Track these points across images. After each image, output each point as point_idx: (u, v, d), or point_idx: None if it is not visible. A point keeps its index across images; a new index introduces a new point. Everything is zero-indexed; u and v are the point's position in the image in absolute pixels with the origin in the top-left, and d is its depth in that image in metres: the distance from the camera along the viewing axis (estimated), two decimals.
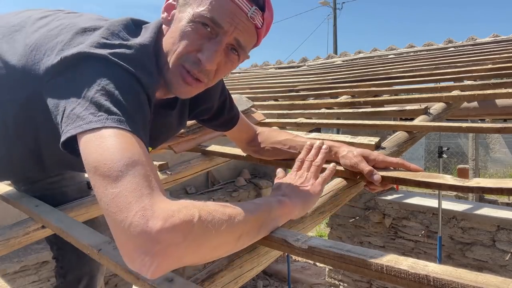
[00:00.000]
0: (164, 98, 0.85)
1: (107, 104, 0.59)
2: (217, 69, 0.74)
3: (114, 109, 0.59)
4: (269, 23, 0.77)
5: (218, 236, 0.54)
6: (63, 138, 0.59)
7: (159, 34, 0.75)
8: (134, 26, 0.75)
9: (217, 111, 1.02)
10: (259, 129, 1.12)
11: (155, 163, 1.27)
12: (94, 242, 0.73)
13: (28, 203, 1.02)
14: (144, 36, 0.73)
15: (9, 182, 1.22)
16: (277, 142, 1.05)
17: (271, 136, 1.08)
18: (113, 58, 0.65)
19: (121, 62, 0.65)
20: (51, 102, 0.64)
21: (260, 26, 0.74)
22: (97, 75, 0.62)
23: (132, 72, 0.65)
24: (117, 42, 0.68)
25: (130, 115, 0.60)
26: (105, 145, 0.55)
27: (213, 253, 0.56)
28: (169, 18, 0.76)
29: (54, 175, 1.17)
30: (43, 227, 0.94)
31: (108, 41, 0.67)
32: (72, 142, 0.59)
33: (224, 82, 1.05)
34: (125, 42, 0.68)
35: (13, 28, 0.78)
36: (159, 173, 1.26)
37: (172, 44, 0.72)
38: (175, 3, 0.75)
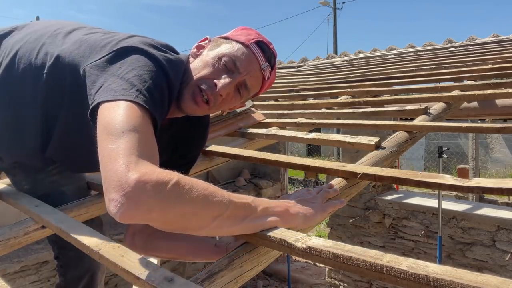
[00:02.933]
0: (167, 117, 0.92)
1: (140, 86, 0.71)
2: (224, 98, 0.89)
3: (144, 92, 0.70)
4: (272, 81, 0.98)
5: (191, 205, 0.59)
6: (93, 104, 0.70)
7: (188, 62, 0.93)
8: (171, 50, 0.91)
9: (190, 158, 1.11)
10: None
11: None
12: (94, 242, 0.73)
13: (28, 203, 1.02)
14: (181, 56, 0.91)
15: (9, 182, 1.22)
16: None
17: None
18: (158, 57, 0.79)
19: (163, 62, 0.79)
20: (90, 78, 0.76)
21: (266, 79, 0.94)
22: (138, 65, 0.75)
23: (168, 73, 0.79)
24: (161, 48, 0.85)
25: (154, 103, 0.72)
26: (121, 112, 0.66)
27: (183, 221, 0.60)
28: (197, 53, 0.95)
29: (53, 174, 1.17)
30: (43, 227, 0.94)
31: (155, 45, 0.83)
32: (96, 110, 0.70)
33: None
34: (167, 50, 0.85)
35: (57, 30, 0.94)
36: None
37: (196, 69, 0.89)
38: (205, 45, 0.96)
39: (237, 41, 0.92)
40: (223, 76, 0.87)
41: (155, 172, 0.58)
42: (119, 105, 0.67)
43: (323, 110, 1.82)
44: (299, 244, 0.61)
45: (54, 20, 1.03)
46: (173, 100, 0.83)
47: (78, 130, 0.90)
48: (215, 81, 0.87)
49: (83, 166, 1.09)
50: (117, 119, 0.64)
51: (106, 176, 0.58)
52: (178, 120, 1.00)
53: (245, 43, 0.91)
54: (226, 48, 0.91)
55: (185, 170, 1.09)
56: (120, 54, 0.79)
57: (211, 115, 1.45)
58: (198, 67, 0.90)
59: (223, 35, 0.96)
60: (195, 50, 0.97)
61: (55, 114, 0.91)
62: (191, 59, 0.94)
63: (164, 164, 1.14)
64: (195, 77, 0.88)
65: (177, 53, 0.93)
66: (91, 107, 0.71)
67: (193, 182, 0.61)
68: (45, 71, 0.87)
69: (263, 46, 0.93)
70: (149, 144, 0.65)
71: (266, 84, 0.96)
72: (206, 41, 0.98)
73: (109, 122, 0.64)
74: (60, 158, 1.02)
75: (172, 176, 0.59)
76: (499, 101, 1.82)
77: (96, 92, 0.72)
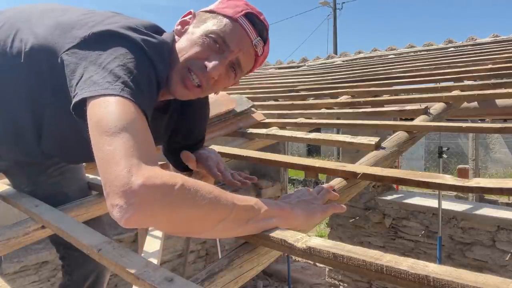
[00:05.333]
0: (161, 100, 0.89)
1: (125, 77, 0.66)
2: (216, 80, 0.85)
3: (130, 84, 0.66)
4: (265, 55, 0.90)
5: (196, 209, 0.58)
6: (76, 99, 0.65)
7: (173, 41, 0.86)
8: (155, 30, 0.84)
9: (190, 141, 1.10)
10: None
11: None
12: (94, 242, 0.73)
13: (28, 203, 1.02)
14: (165, 37, 0.83)
15: (9, 182, 1.22)
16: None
17: None
18: (139, 41, 0.73)
19: (145, 47, 0.73)
20: (69, 67, 0.71)
21: (259, 54, 0.87)
22: (120, 53, 0.69)
23: (152, 58, 0.73)
24: (143, 31, 0.77)
25: (142, 94, 0.67)
26: (112, 109, 0.62)
27: (187, 225, 0.60)
28: (182, 30, 0.87)
29: (53, 175, 1.16)
30: (43, 227, 0.94)
31: (136, 28, 0.76)
32: (82, 106, 0.65)
33: None
34: (150, 33, 0.78)
35: (39, 12, 0.86)
36: None
37: (183, 49, 0.83)
38: (190, 20, 0.88)
39: (224, 15, 0.83)
40: (213, 57, 0.81)
41: (159, 176, 0.56)
42: (108, 101, 0.63)
43: (323, 110, 1.82)
44: (299, 244, 0.61)
45: (29, 4, 0.95)
46: (162, 86, 0.78)
47: (67, 124, 0.84)
48: (205, 62, 0.81)
49: (80, 157, 1.05)
50: (109, 117, 0.61)
51: (107, 181, 0.56)
52: (174, 99, 0.95)
53: (233, 17, 0.83)
54: (212, 24, 0.83)
55: (197, 148, 1.11)
56: (99, 39, 0.72)
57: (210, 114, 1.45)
58: (185, 46, 0.83)
59: (208, 8, 0.88)
60: (179, 27, 0.88)
61: (41, 108, 0.85)
62: (176, 38, 0.87)
63: (171, 145, 1.09)
64: (182, 58, 0.82)
65: (162, 32, 0.87)
66: (73, 101, 0.66)
67: (198, 186, 0.59)
68: (22, 60, 0.80)
69: (253, 19, 0.85)
70: (146, 140, 0.63)
71: (260, 60, 0.90)
72: (190, 16, 0.89)
73: (100, 121, 0.61)
74: (56, 152, 0.99)
75: (177, 180, 0.57)
76: (499, 101, 1.82)
77: (77, 83, 0.67)
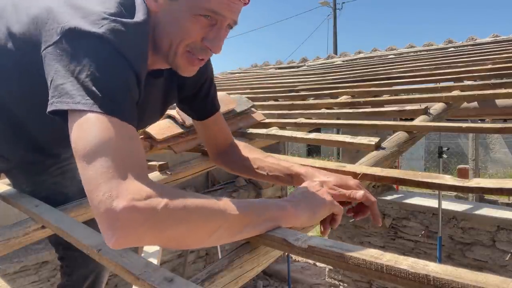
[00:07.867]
0: (153, 68, 0.85)
1: (95, 90, 0.62)
2: None
3: (100, 95, 0.62)
4: None
5: (184, 225, 0.58)
6: (49, 109, 0.64)
7: (149, 11, 0.75)
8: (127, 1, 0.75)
9: (200, 88, 1.02)
10: (235, 142, 1.09)
11: (155, 163, 1.27)
12: (94, 242, 0.73)
13: (28, 203, 1.02)
14: (139, 14, 0.73)
15: (8, 182, 1.22)
16: (247, 159, 1.02)
17: (243, 151, 1.05)
18: (108, 36, 0.66)
19: (115, 42, 0.66)
20: (46, 69, 0.67)
21: (247, 2, 0.79)
22: (89, 56, 0.64)
23: (124, 54, 0.67)
24: (113, 18, 0.68)
25: (117, 101, 0.64)
26: (86, 128, 0.60)
27: (180, 241, 0.59)
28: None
29: (54, 175, 1.17)
30: (43, 227, 0.94)
31: (105, 18, 0.67)
32: (58, 112, 0.63)
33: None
34: (120, 19, 0.69)
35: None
36: (159, 173, 1.25)
37: (170, 33, 0.76)
38: None
39: None
40: (210, 34, 0.76)
41: (142, 197, 0.55)
42: (82, 120, 0.60)
43: (323, 110, 1.82)
44: (299, 244, 0.61)
45: None
46: (142, 78, 0.72)
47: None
48: (205, 42, 0.76)
49: None
50: (84, 139, 0.59)
51: (92, 205, 0.57)
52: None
53: None
54: None
55: (212, 110, 1.04)
56: (68, 39, 0.66)
57: None
58: (173, 31, 0.76)
59: None
60: None
61: (35, 102, 0.81)
62: (150, 5, 0.75)
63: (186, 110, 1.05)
64: (180, 45, 0.76)
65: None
66: (48, 109, 0.64)
67: (184, 202, 0.58)
68: (5, 56, 0.77)
69: None
70: (126, 155, 0.60)
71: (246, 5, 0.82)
72: None
73: (76, 144, 0.60)
74: (63, 150, 0.98)
75: (161, 198, 0.56)
76: (499, 101, 1.82)
77: (49, 86, 0.65)
